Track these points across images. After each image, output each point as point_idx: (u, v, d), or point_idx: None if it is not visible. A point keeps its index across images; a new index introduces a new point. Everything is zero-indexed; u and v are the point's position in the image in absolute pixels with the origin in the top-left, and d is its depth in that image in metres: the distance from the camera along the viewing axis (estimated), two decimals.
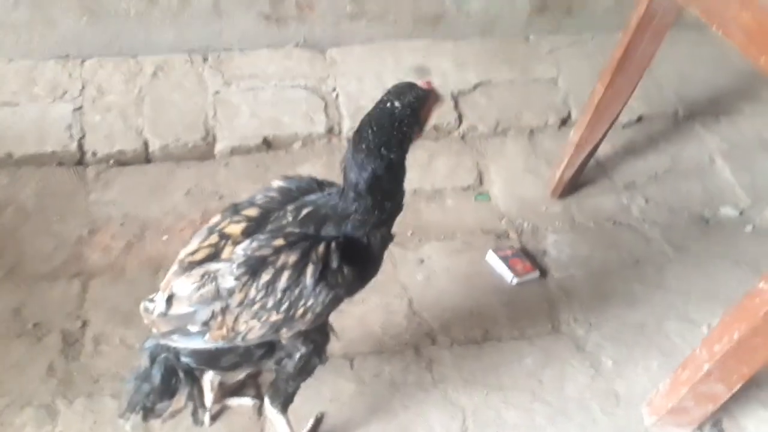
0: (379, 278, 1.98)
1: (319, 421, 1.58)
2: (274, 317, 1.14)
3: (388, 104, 1.13)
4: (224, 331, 1.16)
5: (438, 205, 2.24)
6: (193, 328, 1.17)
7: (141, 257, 1.99)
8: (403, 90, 1.15)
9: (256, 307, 1.13)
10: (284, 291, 1.12)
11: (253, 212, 1.21)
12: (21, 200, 2.10)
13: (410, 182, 1.24)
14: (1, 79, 2.41)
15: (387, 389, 1.67)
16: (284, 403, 1.40)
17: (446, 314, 1.88)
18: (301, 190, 1.24)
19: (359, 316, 1.85)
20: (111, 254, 1.98)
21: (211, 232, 1.22)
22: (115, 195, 2.16)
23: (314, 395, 1.62)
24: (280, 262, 1.13)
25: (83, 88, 2.42)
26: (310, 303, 1.14)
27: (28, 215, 2.06)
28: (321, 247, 1.14)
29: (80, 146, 2.24)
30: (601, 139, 2.19)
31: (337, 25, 2.66)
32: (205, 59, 2.59)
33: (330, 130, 2.38)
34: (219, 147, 2.33)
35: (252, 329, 1.16)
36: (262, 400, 1.61)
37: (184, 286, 1.17)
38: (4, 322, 1.74)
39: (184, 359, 1.26)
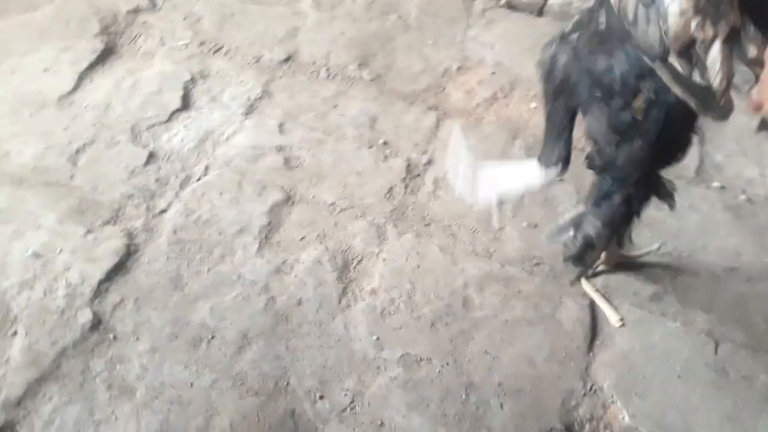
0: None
1: None
2: None
3: None
4: None
5: None
6: None
7: (501, 115, 1.75)
8: None
9: None
10: None
11: None
12: (404, 11, 1.98)
13: None
14: None
15: (756, 400, 1.25)
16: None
17: None
18: None
19: (740, 293, 1.42)
20: (472, 100, 1.78)
21: None
22: (494, 38, 1.92)
23: (663, 365, 1.28)
24: None
25: None
26: None
27: (407, 28, 1.93)
28: None
29: None
30: None
31: None
32: None
33: None
34: None
35: None
36: None
37: None
38: (361, 127, 1.67)
39: None
